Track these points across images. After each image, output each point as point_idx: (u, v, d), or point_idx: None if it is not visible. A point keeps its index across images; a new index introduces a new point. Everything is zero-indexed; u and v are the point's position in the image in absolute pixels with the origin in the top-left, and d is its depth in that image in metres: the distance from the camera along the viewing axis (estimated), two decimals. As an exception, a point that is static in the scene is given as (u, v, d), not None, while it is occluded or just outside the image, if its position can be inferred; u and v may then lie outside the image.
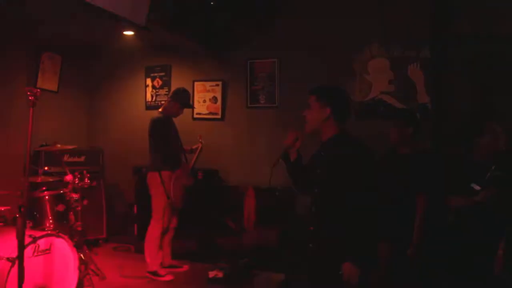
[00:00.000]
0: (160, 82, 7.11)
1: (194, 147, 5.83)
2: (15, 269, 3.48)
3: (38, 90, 3.00)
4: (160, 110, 5.48)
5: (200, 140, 5.85)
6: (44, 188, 4.94)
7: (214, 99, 6.67)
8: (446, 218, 3.89)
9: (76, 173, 5.08)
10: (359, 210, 2.75)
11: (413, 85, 5.65)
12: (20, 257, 2.97)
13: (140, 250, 5.89)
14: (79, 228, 5.01)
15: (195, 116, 6.77)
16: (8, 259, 3.59)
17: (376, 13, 5.65)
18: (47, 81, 6.79)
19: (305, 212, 3.17)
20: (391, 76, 5.78)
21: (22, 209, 3.02)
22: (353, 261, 2.73)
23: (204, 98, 6.72)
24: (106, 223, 6.79)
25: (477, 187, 3.66)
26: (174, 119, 5.52)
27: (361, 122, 5.72)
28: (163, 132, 5.25)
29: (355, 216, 2.75)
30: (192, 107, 5.92)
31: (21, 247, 2.98)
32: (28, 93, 2.97)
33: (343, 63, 5.86)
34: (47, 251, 4.00)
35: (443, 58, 5.46)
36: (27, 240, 3.67)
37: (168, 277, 5.29)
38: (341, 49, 5.83)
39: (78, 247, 4.74)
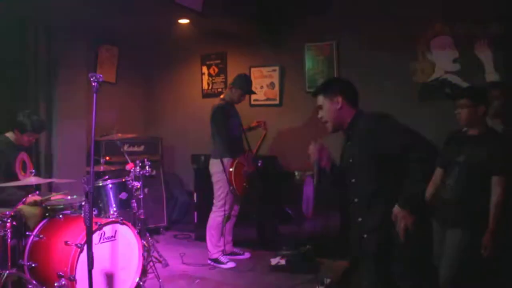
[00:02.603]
0: (216, 70, 7.08)
1: (252, 125, 5.78)
2: (83, 255, 3.55)
3: (101, 75, 3.00)
4: (221, 97, 5.46)
5: (265, 127, 5.79)
6: (106, 177, 5.01)
7: (272, 85, 6.57)
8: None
9: (137, 162, 5.13)
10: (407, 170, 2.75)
11: (480, 63, 5.35)
12: (89, 242, 2.99)
13: (200, 238, 5.93)
14: (142, 216, 5.07)
15: (253, 102, 6.68)
16: (77, 245, 3.64)
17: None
18: (106, 73, 6.90)
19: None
20: (456, 55, 5.48)
21: (88, 196, 3.03)
22: (402, 205, 2.75)
23: (262, 84, 6.62)
24: (167, 211, 6.85)
25: None
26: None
27: (424, 103, 5.52)
28: (224, 120, 5.23)
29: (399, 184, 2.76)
30: (253, 92, 5.86)
31: (90, 232, 2.99)
32: (91, 79, 2.97)
33: (404, 43, 5.61)
34: (113, 238, 4.03)
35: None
36: (94, 227, 3.72)
37: (230, 265, 5.28)
38: (402, 28, 5.59)
39: (141, 234, 4.79)
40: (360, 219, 2.98)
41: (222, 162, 5.18)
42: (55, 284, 3.64)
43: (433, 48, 5.60)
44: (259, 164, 5.77)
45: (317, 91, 3.12)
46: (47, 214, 4.12)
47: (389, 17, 5.66)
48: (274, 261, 5.13)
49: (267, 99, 6.63)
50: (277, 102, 6.57)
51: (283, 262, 5.09)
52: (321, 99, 3.07)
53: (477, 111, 3.70)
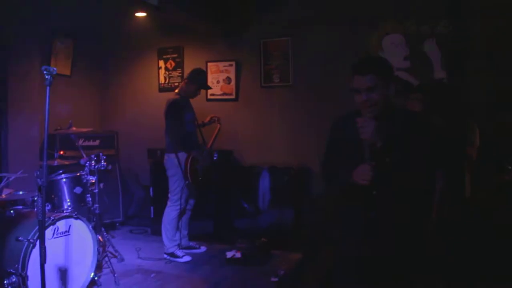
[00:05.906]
0: (173, 64, 7.06)
1: (206, 120, 5.80)
2: (36, 250, 3.50)
3: (54, 68, 2.95)
4: (176, 91, 5.43)
5: (219, 121, 5.82)
6: (60, 171, 4.95)
7: (228, 80, 6.61)
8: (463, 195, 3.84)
9: (93, 156, 5.08)
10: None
11: (429, 61, 5.56)
12: (41, 236, 2.96)
13: (156, 232, 5.92)
14: (97, 211, 5.04)
15: (209, 97, 6.72)
16: (28, 240, 3.59)
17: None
18: (60, 66, 6.75)
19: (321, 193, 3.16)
20: (407, 52, 5.69)
21: (41, 189, 3.00)
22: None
23: (218, 78, 6.66)
24: (123, 206, 6.80)
25: None
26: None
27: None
28: (179, 114, 5.22)
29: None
30: (209, 87, 5.87)
31: (42, 226, 2.96)
32: (44, 71, 2.92)
33: (357, 40, 5.77)
34: (66, 233, 4.00)
35: (461, 34, 5.35)
36: (47, 222, 3.68)
37: (186, 258, 5.30)
38: (355, 26, 5.74)
39: (96, 229, 4.76)
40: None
41: (177, 157, 5.18)
42: (5, 281, 3.56)
43: (385, 45, 5.77)
44: (214, 158, 5.81)
45: (370, 69, 2.51)
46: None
47: (343, 15, 5.80)
48: (229, 254, 5.19)
49: (224, 94, 6.67)
50: (233, 96, 6.62)
51: (238, 255, 5.15)
52: (373, 80, 2.48)
53: (427, 106, 3.87)
